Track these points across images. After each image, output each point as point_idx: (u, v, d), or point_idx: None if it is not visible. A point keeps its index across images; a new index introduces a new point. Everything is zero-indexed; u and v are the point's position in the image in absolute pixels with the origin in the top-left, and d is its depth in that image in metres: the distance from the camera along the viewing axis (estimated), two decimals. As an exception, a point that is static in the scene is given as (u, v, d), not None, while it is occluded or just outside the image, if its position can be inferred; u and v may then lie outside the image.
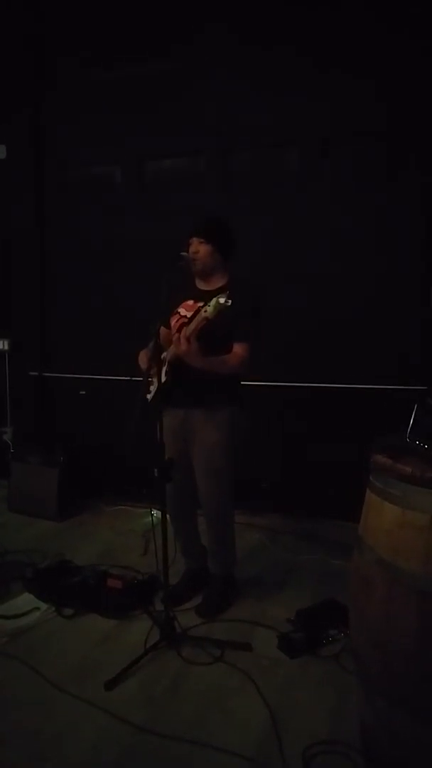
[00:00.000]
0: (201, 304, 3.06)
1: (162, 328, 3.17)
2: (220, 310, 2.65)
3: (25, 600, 3.33)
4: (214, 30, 4.39)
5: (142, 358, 3.24)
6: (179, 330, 3.02)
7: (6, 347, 5.43)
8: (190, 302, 3.19)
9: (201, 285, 3.26)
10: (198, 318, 2.81)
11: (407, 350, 4.11)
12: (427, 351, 4.05)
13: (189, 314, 3.13)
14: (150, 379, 3.13)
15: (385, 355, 4.17)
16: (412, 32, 3.93)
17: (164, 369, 3.02)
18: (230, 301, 2.63)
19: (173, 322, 3.19)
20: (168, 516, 3.04)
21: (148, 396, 3.20)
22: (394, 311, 4.15)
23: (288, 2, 4.23)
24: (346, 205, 4.24)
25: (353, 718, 2.37)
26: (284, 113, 4.32)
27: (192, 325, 2.87)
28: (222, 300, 2.63)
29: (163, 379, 3.00)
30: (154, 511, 4.46)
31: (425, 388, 3.85)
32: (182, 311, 3.20)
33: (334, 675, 2.72)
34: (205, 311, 2.71)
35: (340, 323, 4.23)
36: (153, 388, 3.18)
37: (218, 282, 3.21)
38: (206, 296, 3.09)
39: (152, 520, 4.34)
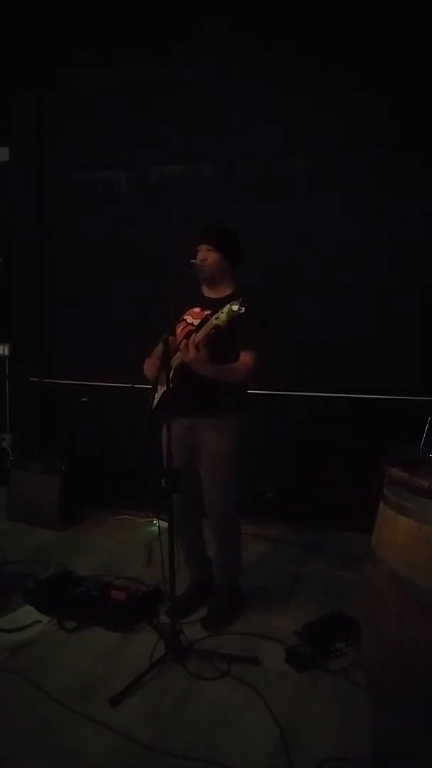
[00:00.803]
0: (208, 311, 3.02)
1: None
2: (233, 317, 2.60)
3: (27, 612, 3.27)
4: (220, 35, 4.36)
5: (149, 368, 3.19)
6: (186, 337, 2.97)
7: (6, 353, 5.38)
8: (197, 309, 3.16)
9: (207, 293, 3.22)
10: (208, 325, 2.75)
11: (415, 360, 4.07)
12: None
13: (195, 322, 3.09)
14: (156, 387, 3.08)
15: (393, 364, 4.13)
16: (413, 35, 3.92)
17: (170, 376, 2.97)
18: (243, 308, 2.58)
19: (179, 329, 3.15)
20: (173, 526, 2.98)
21: (153, 403, 3.15)
22: (404, 320, 4.11)
23: (295, 10, 4.20)
24: (352, 212, 4.21)
25: (364, 734, 2.33)
26: (290, 119, 4.28)
27: (201, 333, 2.81)
28: (235, 307, 2.57)
29: (170, 386, 2.95)
30: (156, 521, 4.46)
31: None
32: (188, 318, 3.17)
33: (343, 689, 2.67)
34: (217, 318, 2.66)
35: (348, 332, 4.20)
36: (158, 396, 3.13)
37: (225, 290, 3.18)
38: (213, 304, 3.06)
39: (155, 529, 4.33)
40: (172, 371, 2.97)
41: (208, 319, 2.88)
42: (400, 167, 4.06)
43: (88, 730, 2.43)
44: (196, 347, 2.80)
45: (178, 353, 2.95)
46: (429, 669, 1.87)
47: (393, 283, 4.10)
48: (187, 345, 2.84)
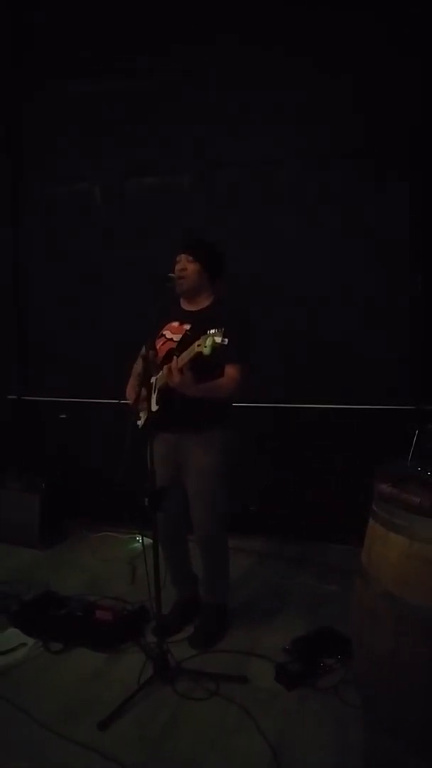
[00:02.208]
0: (187, 326, 3.02)
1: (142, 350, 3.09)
2: (216, 348, 2.53)
3: (11, 635, 3.22)
4: (198, 46, 4.37)
5: (130, 392, 3.17)
6: (167, 354, 2.95)
7: (-17, 370, 5.31)
8: (175, 324, 3.13)
9: (186, 305, 3.20)
10: (191, 351, 2.69)
11: (402, 370, 4.08)
12: (423, 369, 4.04)
13: (175, 337, 3.07)
14: (138, 407, 3.05)
15: (378, 375, 4.14)
16: (393, 53, 3.96)
17: (154, 396, 2.94)
18: (227, 340, 2.51)
19: (158, 344, 3.11)
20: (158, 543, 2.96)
21: (139, 423, 3.12)
22: (391, 330, 4.12)
23: (277, 20, 4.21)
24: (333, 223, 4.23)
25: (357, 753, 2.31)
26: (269, 130, 4.28)
27: (184, 356, 2.76)
28: (218, 339, 2.50)
29: (155, 407, 2.93)
30: (139, 537, 4.42)
31: (421, 408, 3.87)
32: (168, 334, 3.14)
33: (333, 708, 2.64)
34: (199, 346, 2.59)
35: (332, 343, 4.20)
36: (143, 415, 3.10)
37: (203, 302, 3.16)
38: (191, 317, 3.06)
39: (138, 546, 4.29)
40: (156, 390, 2.95)
41: (188, 337, 2.87)
42: (380, 178, 4.09)
43: (76, 755, 2.39)
44: (180, 371, 2.77)
45: (161, 373, 2.92)
46: (424, 689, 1.86)
47: (378, 294, 4.12)
48: (170, 369, 2.80)
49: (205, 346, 2.54)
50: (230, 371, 2.99)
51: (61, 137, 4.86)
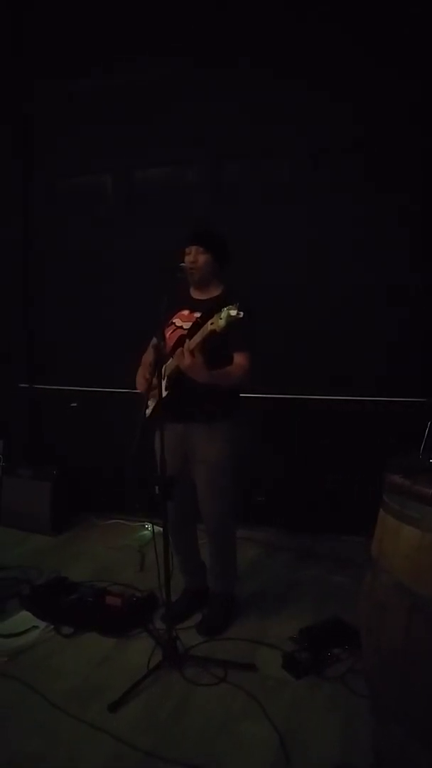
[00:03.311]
0: (197, 314, 3.03)
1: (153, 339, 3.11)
2: (231, 322, 2.55)
3: (23, 618, 3.27)
4: (206, 38, 4.38)
5: (140, 381, 3.20)
6: (177, 342, 2.96)
7: (-6, 359, 5.36)
8: (185, 312, 3.15)
9: (196, 294, 3.21)
10: (204, 331, 2.72)
11: (411, 362, 4.10)
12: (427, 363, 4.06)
13: (185, 325, 3.08)
14: (149, 397, 3.08)
15: (389, 366, 4.15)
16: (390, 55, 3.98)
17: (164, 383, 2.96)
18: (242, 312, 2.53)
19: (168, 333, 3.11)
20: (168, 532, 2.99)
21: (147, 411, 3.14)
22: (399, 322, 4.12)
23: (282, 15, 4.23)
24: (339, 214, 4.23)
25: (364, 742, 2.34)
26: (276, 122, 4.29)
27: (196, 338, 2.79)
28: (233, 312, 2.52)
29: (164, 393, 2.94)
30: (148, 525, 4.46)
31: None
32: (177, 322, 3.15)
33: (341, 697, 2.68)
34: (212, 323, 2.62)
35: (344, 334, 4.22)
36: (151, 403, 3.12)
37: (213, 291, 3.18)
38: (201, 305, 3.06)
39: (148, 534, 4.33)
40: (165, 378, 2.96)
41: (199, 323, 2.87)
42: (385, 169, 4.09)
43: (88, 736, 2.44)
44: (192, 353, 2.80)
45: (171, 359, 2.94)
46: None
47: (387, 286, 4.12)
48: (181, 351, 2.82)
49: (220, 318, 2.55)
50: (239, 359, 3.00)
51: (68, 131, 4.90)
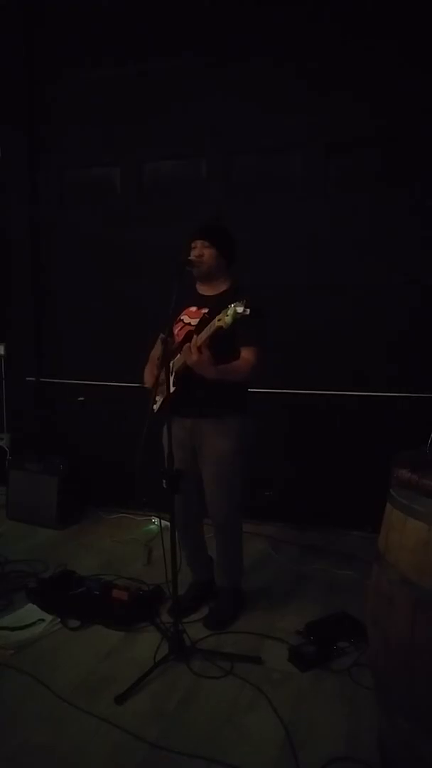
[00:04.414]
0: (205, 310, 3.03)
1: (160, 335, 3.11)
2: (238, 319, 2.57)
3: (30, 611, 3.29)
4: (217, 32, 4.39)
5: (147, 377, 3.21)
6: (185, 338, 2.97)
7: (2, 352, 5.37)
8: (193, 309, 3.15)
9: (202, 290, 3.22)
10: (210, 327, 2.74)
11: (420, 358, 4.10)
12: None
13: (193, 321, 3.08)
14: (156, 392, 3.09)
15: (396, 362, 4.17)
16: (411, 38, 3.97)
17: (171, 379, 2.97)
18: (249, 309, 2.55)
19: (176, 330, 3.13)
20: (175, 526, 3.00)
21: (155, 407, 3.15)
22: (409, 317, 4.13)
23: (290, 9, 4.22)
24: (351, 210, 4.24)
25: (370, 735, 2.35)
26: (287, 116, 4.29)
27: (203, 334, 2.81)
28: (240, 309, 2.54)
29: (171, 389, 2.95)
30: (155, 520, 4.48)
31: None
32: (185, 318, 3.15)
33: (347, 689, 2.69)
34: (219, 320, 2.64)
35: (352, 330, 4.24)
36: (159, 399, 3.13)
37: (220, 287, 3.18)
38: (209, 302, 3.06)
39: (154, 528, 4.35)
40: (173, 374, 2.97)
41: (207, 319, 2.88)
42: (398, 163, 4.10)
43: (95, 728, 2.45)
44: (199, 349, 2.80)
45: (179, 355, 2.95)
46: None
47: (398, 282, 4.12)
48: (189, 347, 2.83)
49: (227, 315, 2.57)
50: (246, 355, 3.00)
51: (79, 122, 4.90)
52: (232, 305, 2.58)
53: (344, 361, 4.25)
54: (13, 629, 3.11)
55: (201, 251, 3.09)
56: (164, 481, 2.84)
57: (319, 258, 4.30)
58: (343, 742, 2.38)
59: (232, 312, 2.57)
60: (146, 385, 3.21)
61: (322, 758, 2.27)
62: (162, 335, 2.95)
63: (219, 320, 2.65)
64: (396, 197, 4.11)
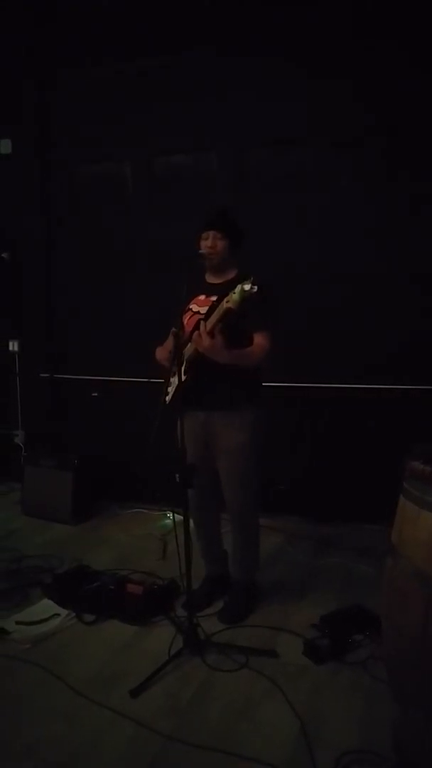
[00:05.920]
0: (213, 298, 3.03)
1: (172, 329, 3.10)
2: (245, 297, 2.56)
3: (45, 606, 3.30)
4: (227, 25, 4.37)
5: (162, 354, 3.20)
6: (195, 326, 2.94)
7: (16, 349, 5.40)
8: (201, 297, 3.15)
9: (211, 279, 3.21)
10: (220, 310, 2.73)
11: (427, 349, 4.07)
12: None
13: (202, 309, 3.08)
14: (168, 380, 3.08)
15: (410, 354, 4.14)
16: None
17: (183, 368, 2.94)
18: (255, 287, 2.53)
19: (186, 319, 3.11)
20: (190, 520, 2.99)
21: (167, 398, 3.15)
22: (422, 309, 4.10)
23: (298, 11, 4.21)
24: (363, 201, 4.22)
25: (384, 727, 2.34)
26: (299, 109, 4.27)
27: (213, 318, 2.80)
28: (247, 287, 2.53)
29: (183, 378, 2.93)
30: (170, 514, 4.48)
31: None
32: (194, 307, 3.15)
33: (362, 682, 2.68)
34: (228, 301, 2.64)
35: (365, 323, 4.22)
36: (171, 389, 3.13)
37: (229, 275, 3.16)
38: (217, 290, 3.04)
39: (169, 523, 4.35)
40: (185, 363, 2.95)
41: (215, 305, 2.87)
42: (406, 159, 4.08)
43: (110, 721, 2.46)
44: (210, 334, 2.80)
45: (190, 344, 2.94)
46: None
47: (412, 273, 4.10)
48: (199, 334, 2.82)
49: (234, 293, 2.57)
50: (259, 339, 2.99)
51: (89, 117, 4.91)
52: (240, 284, 2.58)
53: (356, 353, 4.23)
54: (29, 624, 3.12)
55: (214, 242, 3.09)
56: (177, 475, 2.84)
57: (334, 248, 4.27)
58: (357, 734, 2.37)
59: (239, 290, 2.57)
60: (158, 359, 3.20)
61: (337, 751, 2.26)
62: (173, 329, 2.95)
63: (227, 301, 2.65)
64: (407, 190, 4.08)
